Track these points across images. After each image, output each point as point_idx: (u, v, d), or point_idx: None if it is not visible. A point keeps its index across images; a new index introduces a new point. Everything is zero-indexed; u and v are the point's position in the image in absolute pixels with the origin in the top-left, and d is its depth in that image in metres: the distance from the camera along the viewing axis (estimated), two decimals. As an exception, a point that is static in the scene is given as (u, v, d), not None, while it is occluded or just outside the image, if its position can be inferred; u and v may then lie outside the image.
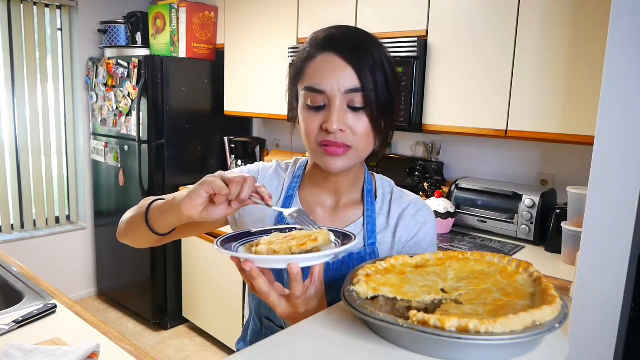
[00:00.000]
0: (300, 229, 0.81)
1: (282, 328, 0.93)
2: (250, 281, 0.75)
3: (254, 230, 0.84)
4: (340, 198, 0.96)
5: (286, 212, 0.83)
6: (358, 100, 0.82)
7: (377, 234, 0.93)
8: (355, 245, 0.79)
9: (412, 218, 0.94)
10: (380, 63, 0.83)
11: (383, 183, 1.00)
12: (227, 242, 0.78)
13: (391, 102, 0.86)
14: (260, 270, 0.72)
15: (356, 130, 0.83)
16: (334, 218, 0.95)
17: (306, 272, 0.74)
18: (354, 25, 0.89)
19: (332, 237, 0.78)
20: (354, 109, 0.83)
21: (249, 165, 1.04)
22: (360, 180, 0.97)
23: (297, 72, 0.88)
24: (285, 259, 0.70)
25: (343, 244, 0.75)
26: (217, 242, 0.76)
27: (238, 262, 0.73)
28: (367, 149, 0.87)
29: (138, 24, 3.21)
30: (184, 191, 0.80)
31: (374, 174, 1.01)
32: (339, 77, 0.81)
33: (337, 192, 0.96)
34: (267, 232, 0.83)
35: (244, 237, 0.82)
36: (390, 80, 0.85)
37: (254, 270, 0.71)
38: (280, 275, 0.91)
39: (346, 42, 0.83)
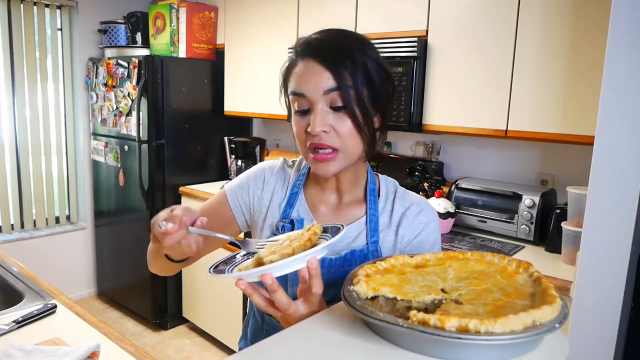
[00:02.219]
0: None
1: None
2: (263, 299, 0.74)
3: (236, 253, 0.85)
4: (343, 196, 0.97)
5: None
6: (338, 99, 0.84)
7: (380, 232, 0.94)
8: (346, 231, 0.80)
9: (415, 217, 0.95)
10: (361, 64, 0.84)
11: (387, 183, 1.01)
12: (218, 268, 0.78)
13: (377, 101, 0.87)
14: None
15: (340, 130, 0.85)
16: (338, 216, 0.96)
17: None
18: (341, 29, 0.91)
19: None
20: (335, 109, 0.85)
21: (254, 167, 1.05)
22: (362, 179, 0.98)
23: (284, 79, 0.92)
24: (302, 257, 0.69)
25: (334, 236, 0.76)
26: (210, 270, 0.76)
27: (247, 285, 0.72)
28: (355, 149, 0.88)
29: (138, 24, 3.21)
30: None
31: (378, 174, 1.03)
32: (317, 80, 0.84)
33: (339, 190, 0.97)
34: (252, 253, 0.83)
35: (230, 261, 0.81)
36: (375, 79, 0.86)
37: (274, 282, 0.70)
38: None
39: (323, 47, 0.86)
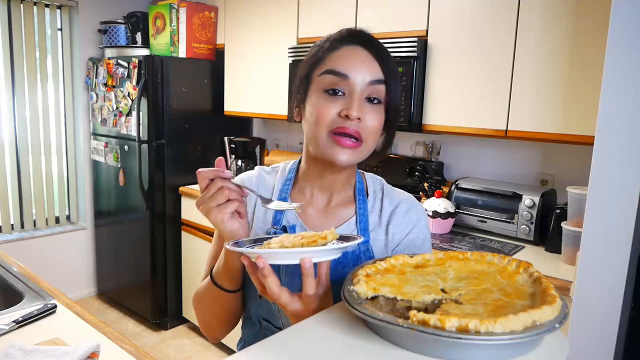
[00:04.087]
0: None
1: (281, 329, 0.93)
2: (260, 283, 0.74)
3: (264, 236, 0.85)
4: (332, 197, 0.96)
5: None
6: (379, 92, 0.85)
7: (370, 232, 0.93)
8: (354, 244, 0.79)
9: (405, 215, 0.94)
10: (395, 66, 0.88)
11: (374, 181, 1.00)
12: (238, 245, 0.78)
13: (400, 105, 0.90)
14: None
15: (370, 123, 0.85)
16: (327, 218, 0.95)
17: (315, 271, 0.74)
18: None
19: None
20: (371, 101, 0.85)
21: None
22: (353, 179, 0.97)
23: (317, 60, 0.88)
24: (297, 252, 0.70)
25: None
26: (228, 243, 0.77)
27: (249, 262, 0.73)
28: (373, 146, 0.89)
29: (138, 24, 3.21)
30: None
31: (364, 172, 1.02)
32: (365, 68, 0.84)
33: (330, 190, 0.95)
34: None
35: (254, 242, 0.82)
36: (399, 83, 0.89)
37: (266, 267, 0.70)
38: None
39: (371, 39, 0.87)
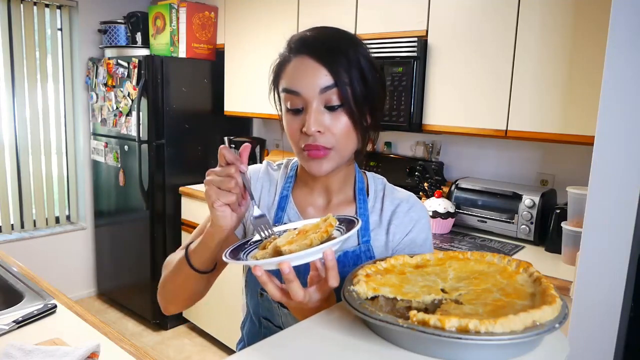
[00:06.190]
0: (292, 228, 0.82)
1: (281, 328, 0.93)
2: (279, 290, 0.72)
3: (247, 240, 0.83)
4: (332, 197, 0.96)
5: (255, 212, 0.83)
6: (334, 98, 0.82)
7: (371, 232, 0.93)
8: (361, 224, 0.78)
9: (406, 215, 0.94)
10: (355, 61, 0.83)
11: (375, 181, 1.00)
12: (232, 255, 0.76)
13: (371, 99, 0.86)
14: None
15: (334, 130, 0.83)
16: None
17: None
18: (333, 26, 0.90)
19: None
20: (331, 109, 0.83)
21: None
22: (351, 179, 0.97)
23: (275, 75, 0.89)
24: (319, 249, 0.69)
25: (348, 228, 0.75)
26: (225, 255, 0.75)
27: (263, 272, 0.71)
28: (348, 148, 0.87)
29: (138, 24, 3.21)
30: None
31: (366, 172, 1.01)
32: (313, 78, 0.82)
33: (328, 191, 0.96)
34: (259, 241, 0.81)
35: (242, 248, 0.80)
36: (368, 76, 0.85)
37: (291, 272, 0.69)
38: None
39: (318, 44, 0.84)
